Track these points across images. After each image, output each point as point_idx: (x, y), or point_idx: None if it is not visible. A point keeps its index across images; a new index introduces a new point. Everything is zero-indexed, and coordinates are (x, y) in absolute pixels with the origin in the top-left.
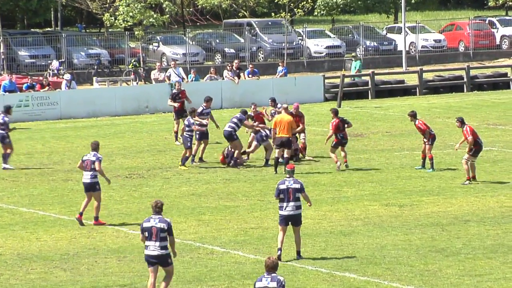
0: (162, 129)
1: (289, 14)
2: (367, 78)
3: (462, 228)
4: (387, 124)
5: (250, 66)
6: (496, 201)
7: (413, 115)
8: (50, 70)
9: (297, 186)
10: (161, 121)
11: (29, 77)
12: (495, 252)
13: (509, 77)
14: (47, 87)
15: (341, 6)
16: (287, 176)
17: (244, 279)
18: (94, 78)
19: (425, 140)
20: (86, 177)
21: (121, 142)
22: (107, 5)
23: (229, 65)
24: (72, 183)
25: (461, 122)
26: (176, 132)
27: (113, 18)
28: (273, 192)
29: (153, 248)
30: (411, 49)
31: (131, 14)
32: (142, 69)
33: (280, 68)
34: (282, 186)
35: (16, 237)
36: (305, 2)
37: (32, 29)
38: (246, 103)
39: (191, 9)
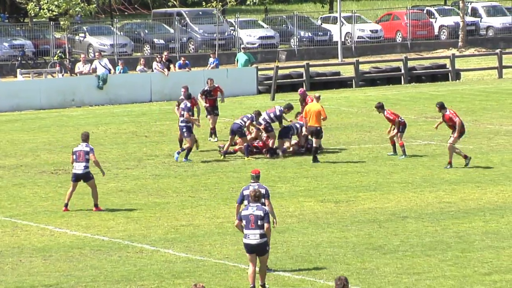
0: (89, 123)
1: (220, 3)
2: (302, 70)
3: (399, 224)
4: None
5: (182, 58)
6: (434, 197)
7: (380, 107)
8: None
9: (262, 191)
10: (88, 115)
11: None
12: (433, 249)
13: (447, 68)
14: None
15: None
16: (252, 181)
17: (174, 278)
18: (18, 70)
19: (394, 128)
20: (79, 167)
21: (46, 137)
22: None
23: (159, 56)
24: None
25: (441, 107)
26: (213, 129)
27: (37, 7)
28: (204, 188)
29: (253, 237)
30: (347, 39)
31: (56, 3)
32: (68, 60)
33: (211, 60)
34: (247, 192)
35: None
36: None
37: None
38: (176, 95)
39: None
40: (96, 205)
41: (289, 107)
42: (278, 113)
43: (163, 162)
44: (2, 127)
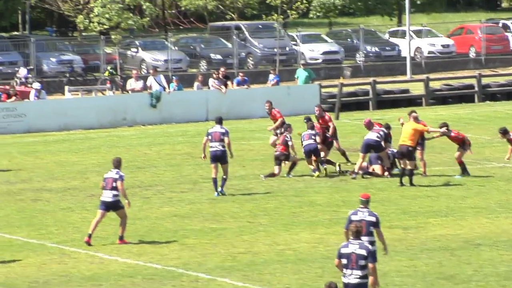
0: (141, 143)
1: (281, 16)
2: (368, 87)
3: (473, 253)
4: None
5: (240, 74)
6: (510, 223)
7: (504, 132)
8: (17, 78)
9: (372, 219)
10: (140, 135)
11: None
12: (509, 279)
13: None
14: (13, 97)
15: (339, 7)
16: (361, 206)
17: None
18: (66, 87)
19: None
20: (107, 195)
21: (96, 158)
22: (81, 7)
23: (216, 73)
24: (42, 203)
25: (504, 132)
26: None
27: (87, 20)
28: (264, 213)
29: (353, 277)
30: (416, 55)
31: (107, 16)
32: (119, 77)
33: (271, 76)
34: (355, 217)
35: None
36: (299, 3)
37: None
38: (234, 114)
39: (173, 11)
40: (121, 238)
41: (387, 127)
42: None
43: (220, 186)
44: (50, 147)
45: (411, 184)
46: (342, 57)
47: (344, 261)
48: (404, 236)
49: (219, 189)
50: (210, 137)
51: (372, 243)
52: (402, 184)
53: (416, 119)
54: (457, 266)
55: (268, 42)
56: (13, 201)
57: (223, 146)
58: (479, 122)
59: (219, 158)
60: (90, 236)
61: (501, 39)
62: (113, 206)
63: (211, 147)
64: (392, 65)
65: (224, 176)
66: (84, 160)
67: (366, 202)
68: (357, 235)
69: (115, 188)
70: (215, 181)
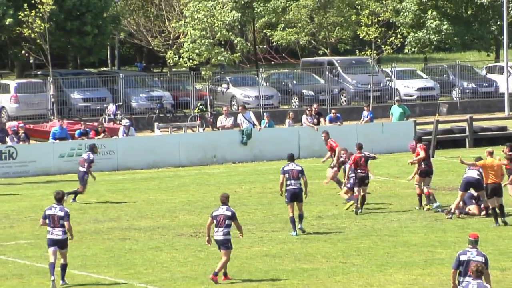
0: (232, 181)
1: (375, 51)
2: (465, 124)
3: None
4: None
5: (333, 111)
6: None
7: None
8: (105, 114)
9: (480, 259)
10: (231, 172)
11: (82, 122)
12: None
13: None
14: (102, 134)
15: (434, 43)
16: (470, 246)
17: None
18: (156, 124)
19: None
20: (219, 233)
21: (186, 196)
22: (171, 42)
23: (309, 109)
24: (130, 243)
25: None
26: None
27: (177, 56)
28: (357, 253)
29: None
30: None
31: (197, 51)
32: (209, 113)
33: (365, 113)
34: (463, 257)
35: None
36: (393, 38)
37: (85, 69)
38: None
39: (265, 46)
40: (215, 274)
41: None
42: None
43: (312, 225)
44: (138, 185)
45: (504, 221)
46: (438, 93)
47: None
48: (502, 278)
49: (299, 226)
50: (287, 175)
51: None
52: (497, 223)
53: (490, 154)
54: None
55: (362, 78)
56: (101, 240)
57: (300, 184)
58: None
59: (297, 197)
60: (216, 274)
61: None
62: (223, 244)
63: (289, 185)
64: (490, 101)
65: (301, 213)
66: (173, 198)
67: (475, 242)
68: (478, 274)
69: (227, 226)
70: (293, 220)
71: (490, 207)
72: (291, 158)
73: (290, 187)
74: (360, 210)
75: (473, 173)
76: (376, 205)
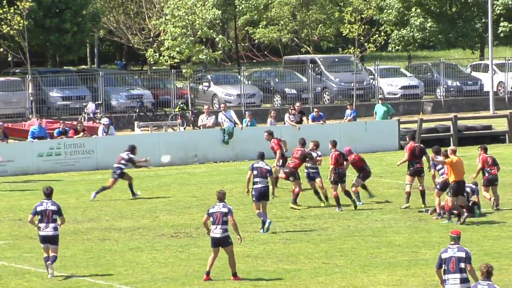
0: (213, 181)
1: (358, 49)
2: (449, 123)
3: None
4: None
5: (315, 109)
6: None
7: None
8: (85, 113)
9: (462, 254)
10: (212, 172)
11: (61, 121)
12: None
13: None
14: (81, 133)
15: (418, 40)
16: (452, 242)
17: None
18: (136, 123)
19: None
20: (217, 231)
21: (166, 196)
22: (151, 40)
23: (292, 108)
24: (110, 243)
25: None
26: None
27: (157, 54)
28: (340, 254)
29: None
30: (499, 89)
31: (178, 49)
32: (190, 112)
33: (348, 112)
34: (445, 255)
35: None
36: (377, 36)
37: (64, 67)
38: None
39: (246, 44)
40: (234, 274)
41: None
42: None
43: (295, 225)
44: (118, 185)
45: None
46: (422, 91)
47: None
48: None
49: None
50: (256, 172)
51: (464, 280)
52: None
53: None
54: None
55: (345, 76)
56: (81, 240)
57: (267, 183)
58: None
59: (265, 195)
60: (208, 273)
61: None
62: (222, 242)
63: (257, 183)
64: (474, 100)
65: (264, 218)
66: (153, 198)
67: (457, 238)
68: (488, 275)
69: (225, 223)
70: (260, 214)
71: (450, 205)
72: (262, 157)
73: (258, 186)
74: (340, 209)
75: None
76: (360, 206)
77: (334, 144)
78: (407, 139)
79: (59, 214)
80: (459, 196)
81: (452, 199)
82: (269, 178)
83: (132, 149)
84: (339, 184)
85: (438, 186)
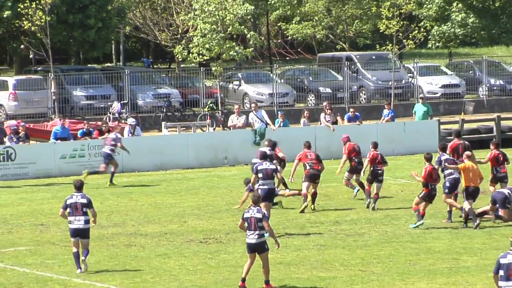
0: (244, 184)
1: (397, 46)
2: (492, 124)
3: None
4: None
5: (351, 109)
6: None
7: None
8: (110, 113)
9: None
10: (242, 175)
11: (85, 122)
12: None
13: None
14: (106, 134)
15: (460, 37)
16: (511, 248)
17: None
18: (163, 123)
19: None
20: (253, 236)
21: (195, 200)
22: (179, 36)
23: (327, 107)
24: (136, 249)
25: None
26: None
27: (186, 51)
28: (377, 261)
29: None
30: None
31: (207, 46)
32: (220, 112)
33: (386, 112)
34: (503, 260)
35: None
36: (416, 32)
37: (88, 65)
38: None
39: (279, 41)
40: (267, 282)
41: None
42: None
43: (330, 230)
44: (145, 189)
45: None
46: (464, 90)
47: None
48: None
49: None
50: (261, 174)
51: None
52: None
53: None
54: None
55: (382, 75)
56: (105, 246)
57: (273, 184)
58: None
59: (269, 196)
60: (244, 280)
61: None
62: (258, 247)
63: (263, 184)
64: None
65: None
66: (182, 202)
67: None
68: None
69: (261, 228)
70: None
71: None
72: (265, 157)
73: (265, 187)
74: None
75: (504, 190)
76: (397, 210)
77: (375, 145)
78: (453, 135)
79: (90, 207)
80: (470, 200)
81: (468, 202)
82: (276, 177)
83: (274, 146)
84: (375, 184)
85: (446, 190)
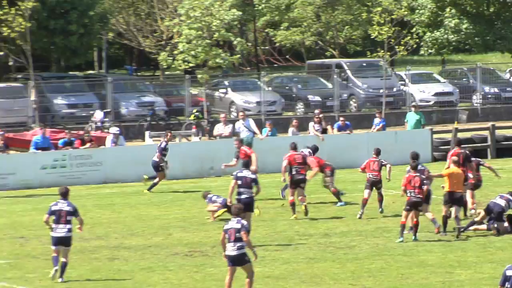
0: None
1: (388, 53)
2: (486, 133)
3: None
4: None
5: (341, 118)
6: None
7: None
8: (92, 122)
9: None
10: (229, 186)
11: (66, 131)
12: None
13: None
14: (88, 144)
15: (453, 43)
16: None
17: None
18: (147, 133)
19: None
20: (232, 248)
21: (180, 212)
22: (163, 43)
23: (317, 116)
24: (119, 263)
25: None
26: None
27: (170, 58)
28: (368, 275)
29: None
30: None
31: (193, 53)
32: (206, 121)
33: (377, 120)
34: (509, 272)
35: None
36: (408, 39)
37: (70, 72)
38: (335, 163)
39: (267, 47)
40: None
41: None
42: None
43: (319, 243)
44: (128, 200)
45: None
46: (457, 99)
47: None
48: None
49: None
50: (240, 181)
51: None
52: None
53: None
54: None
55: (373, 82)
56: (88, 260)
57: (252, 193)
58: None
59: (249, 206)
60: None
61: None
62: (238, 260)
63: (241, 193)
64: None
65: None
66: (166, 214)
67: None
68: None
69: (239, 240)
70: None
71: (443, 214)
72: (246, 165)
73: (242, 196)
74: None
75: (501, 202)
76: (389, 222)
77: (378, 152)
78: (454, 144)
79: (76, 215)
80: (455, 207)
81: (444, 208)
82: (254, 188)
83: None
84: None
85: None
